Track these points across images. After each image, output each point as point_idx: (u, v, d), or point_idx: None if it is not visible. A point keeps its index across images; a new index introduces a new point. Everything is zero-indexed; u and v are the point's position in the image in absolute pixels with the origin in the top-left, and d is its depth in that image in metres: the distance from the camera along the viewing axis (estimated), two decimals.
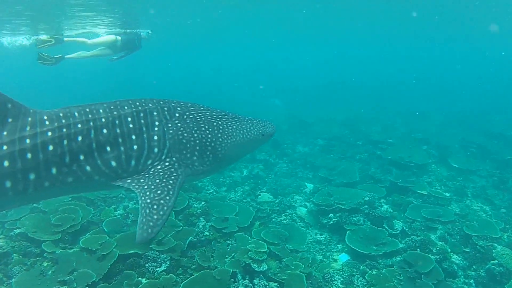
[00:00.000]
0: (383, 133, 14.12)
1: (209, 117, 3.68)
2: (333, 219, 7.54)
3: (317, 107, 19.74)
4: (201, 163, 3.49)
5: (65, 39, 11.07)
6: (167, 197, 3.04)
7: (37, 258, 5.71)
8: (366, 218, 7.64)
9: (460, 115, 17.72)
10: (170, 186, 3.14)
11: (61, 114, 3.05)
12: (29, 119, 2.93)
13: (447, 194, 9.04)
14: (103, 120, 3.12)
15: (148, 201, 3.01)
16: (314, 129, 15.19)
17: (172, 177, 3.22)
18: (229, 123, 3.77)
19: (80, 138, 2.99)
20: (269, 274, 5.80)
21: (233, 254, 6.09)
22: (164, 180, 3.17)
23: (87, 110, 3.14)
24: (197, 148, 3.44)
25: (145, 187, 3.12)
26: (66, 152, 2.93)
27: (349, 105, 20.29)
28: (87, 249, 5.69)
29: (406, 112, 18.95)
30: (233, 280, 5.52)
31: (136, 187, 3.13)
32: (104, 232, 6.39)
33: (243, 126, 3.83)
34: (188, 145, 3.41)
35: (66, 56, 10.53)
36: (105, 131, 3.09)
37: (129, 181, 3.19)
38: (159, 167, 3.27)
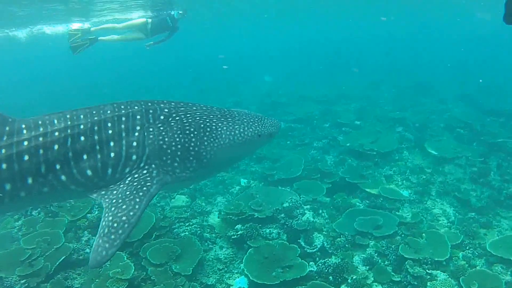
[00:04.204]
0: (358, 112, 11.96)
1: (197, 118, 3.25)
2: (240, 231, 5.94)
3: (307, 85, 17.54)
4: (183, 169, 3.14)
5: (92, 28, 10.65)
6: (131, 213, 2.74)
7: None
8: (282, 230, 5.99)
9: (464, 90, 15.06)
10: (138, 199, 2.83)
11: (40, 122, 2.94)
12: (7, 128, 2.88)
13: (405, 193, 7.09)
14: (82, 126, 2.95)
15: (110, 218, 2.72)
16: (285, 110, 13.28)
17: (144, 188, 2.91)
18: (219, 124, 3.29)
19: (56, 147, 2.87)
20: None
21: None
22: (134, 192, 2.88)
23: (68, 116, 2.98)
24: (178, 153, 3.10)
25: (113, 200, 2.85)
26: (42, 162, 2.83)
27: (344, 81, 17.95)
28: None
29: (406, 87, 16.47)
30: None
31: (107, 200, 2.87)
32: None
33: (236, 126, 3.33)
34: (169, 150, 3.08)
35: (100, 38, 10.40)
36: (82, 138, 2.93)
37: (103, 192, 2.96)
38: (136, 175, 3.01)
